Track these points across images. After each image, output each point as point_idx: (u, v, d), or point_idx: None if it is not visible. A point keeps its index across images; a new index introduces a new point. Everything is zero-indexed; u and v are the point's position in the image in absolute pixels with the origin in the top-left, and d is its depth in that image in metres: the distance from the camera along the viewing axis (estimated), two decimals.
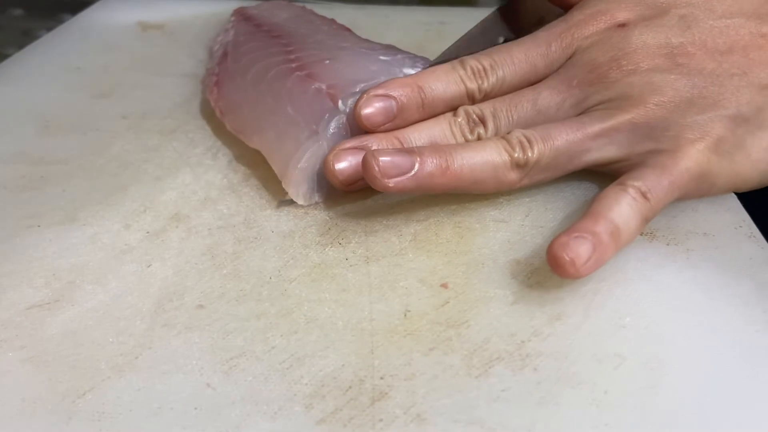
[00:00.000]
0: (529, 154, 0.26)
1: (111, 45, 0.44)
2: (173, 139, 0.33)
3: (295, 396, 0.20)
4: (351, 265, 0.25)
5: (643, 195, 0.25)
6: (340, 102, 0.29)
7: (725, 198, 0.28)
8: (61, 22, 0.49)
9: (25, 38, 0.49)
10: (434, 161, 0.26)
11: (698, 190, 0.26)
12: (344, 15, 0.45)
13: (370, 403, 0.20)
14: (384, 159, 0.25)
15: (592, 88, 0.28)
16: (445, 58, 0.31)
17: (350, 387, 0.20)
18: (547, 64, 0.29)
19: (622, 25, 0.28)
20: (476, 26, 0.34)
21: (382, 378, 0.21)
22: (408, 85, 0.28)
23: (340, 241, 0.26)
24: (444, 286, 0.24)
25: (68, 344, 0.22)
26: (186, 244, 0.26)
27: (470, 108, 0.28)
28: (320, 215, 0.28)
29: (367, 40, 0.38)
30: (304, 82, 0.31)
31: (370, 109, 0.27)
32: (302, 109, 0.29)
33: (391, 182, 0.25)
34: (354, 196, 0.29)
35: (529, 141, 0.26)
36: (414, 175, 0.25)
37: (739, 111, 0.26)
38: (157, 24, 0.47)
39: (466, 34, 0.33)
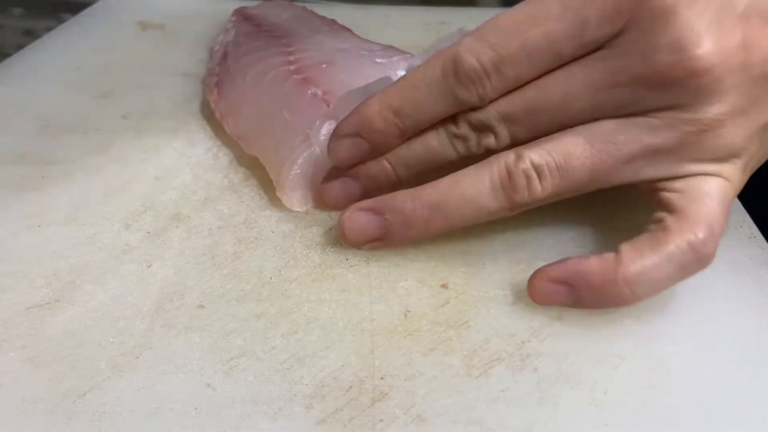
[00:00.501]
0: (538, 190, 0.22)
1: (111, 45, 0.44)
2: (174, 139, 0.33)
3: (296, 396, 0.20)
4: (351, 266, 0.25)
5: (695, 249, 0.21)
6: (332, 107, 0.29)
7: (734, 208, 0.28)
8: (61, 21, 0.49)
9: (25, 38, 0.49)
10: (409, 217, 0.23)
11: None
12: (344, 15, 0.44)
13: (370, 404, 0.20)
14: (350, 226, 0.24)
15: (643, 85, 0.21)
16: None
17: (350, 387, 0.20)
18: (577, 48, 0.21)
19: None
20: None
21: (382, 378, 0.21)
22: (379, 114, 0.23)
23: (341, 242, 0.26)
24: (444, 286, 0.24)
25: (68, 344, 0.22)
26: (186, 244, 0.26)
27: (473, 116, 0.23)
28: (320, 215, 0.28)
29: (366, 41, 0.38)
30: (300, 87, 0.31)
31: (340, 153, 0.25)
32: (298, 115, 0.29)
33: (365, 248, 0.25)
34: None
35: (539, 173, 0.22)
36: (385, 240, 0.24)
37: None
38: (157, 23, 0.47)
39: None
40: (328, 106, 0.29)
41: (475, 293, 0.24)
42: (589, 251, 0.25)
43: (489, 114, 0.23)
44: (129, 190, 0.29)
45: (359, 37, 0.39)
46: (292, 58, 0.34)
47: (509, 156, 0.22)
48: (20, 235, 0.26)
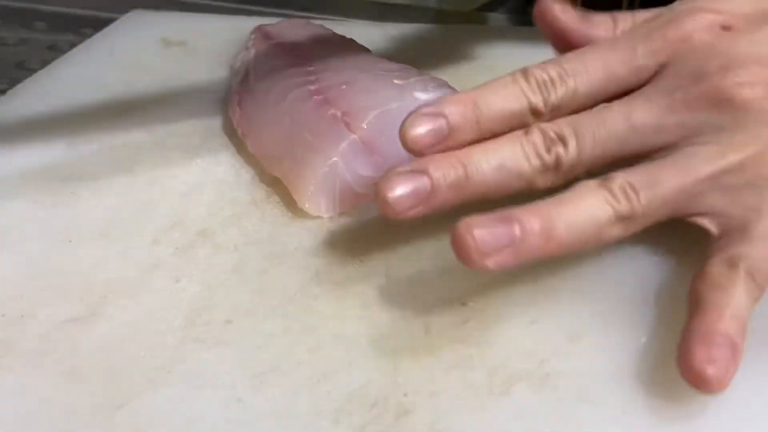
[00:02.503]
0: (635, 204, 0.22)
1: (135, 62, 0.45)
2: (197, 156, 0.34)
3: (323, 411, 0.21)
4: (372, 283, 0.26)
5: (752, 277, 0.21)
6: (352, 125, 0.30)
7: None
8: (84, 36, 0.50)
9: (49, 53, 0.50)
10: (536, 227, 0.21)
11: None
12: (358, 33, 0.46)
13: (394, 420, 0.20)
14: (479, 232, 0.21)
15: (701, 106, 0.23)
16: None
17: (375, 403, 0.21)
18: (630, 71, 0.24)
19: (727, 28, 0.24)
20: None
21: (405, 395, 0.21)
22: (460, 101, 0.24)
23: (362, 258, 0.27)
24: (464, 304, 0.25)
25: (104, 358, 0.23)
26: (213, 260, 0.27)
27: (545, 124, 0.24)
28: (342, 232, 0.29)
29: (384, 60, 0.39)
30: (321, 107, 0.32)
31: (418, 130, 0.23)
32: (318, 135, 0.30)
33: (491, 261, 0.21)
34: (374, 213, 0.30)
35: (633, 188, 0.22)
36: (516, 249, 0.21)
37: None
38: (179, 40, 0.48)
39: None
40: (348, 126, 0.30)
41: (495, 311, 0.24)
42: (605, 267, 0.26)
43: (561, 124, 0.24)
44: (156, 206, 0.30)
45: (377, 57, 0.40)
46: (312, 78, 0.35)
47: (602, 182, 0.23)
48: (53, 251, 0.27)
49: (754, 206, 0.22)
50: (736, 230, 0.22)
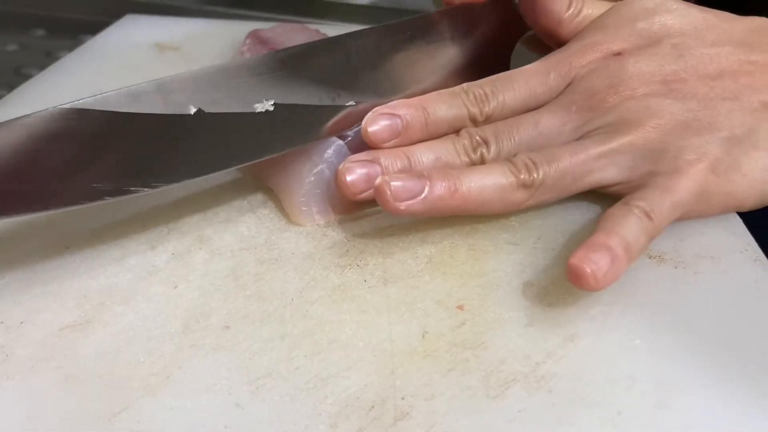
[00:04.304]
0: (535, 175, 0.27)
1: (130, 67, 0.45)
2: None
3: (321, 415, 0.21)
4: (370, 287, 0.26)
5: (647, 215, 0.26)
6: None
7: (731, 222, 0.29)
8: (81, 42, 0.50)
9: (47, 59, 0.50)
10: (443, 184, 0.27)
11: (695, 210, 0.28)
12: None
13: (392, 423, 0.21)
14: (395, 184, 0.26)
15: (591, 113, 0.29)
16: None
17: (373, 407, 0.21)
18: (545, 90, 0.30)
19: (617, 54, 0.30)
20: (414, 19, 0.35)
21: (403, 398, 0.21)
22: (413, 105, 0.29)
23: (359, 263, 0.27)
24: (460, 308, 0.25)
25: (101, 364, 0.23)
26: (210, 266, 0.27)
27: (473, 129, 0.30)
28: (338, 237, 0.29)
29: None
30: None
31: (377, 127, 0.29)
32: (314, 143, 0.30)
33: (402, 205, 0.26)
34: (369, 216, 0.30)
35: (534, 163, 0.28)
36: (424, 198, 0.27)
37: (733, 133, 0.28)
38: (173, 45, 0.48)
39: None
40: (340, 137, 0.30)
41: (490, 315, 0.25)
42: None
43: (486, 130, 0.30)
44: (152, 211, 0.30)
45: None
46: None
47: (510, 158, 0.28)
48: (50, 257, 0.27)
49: (649, 170, 0.27)
50: (636, 188, 0.27)
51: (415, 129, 0.29)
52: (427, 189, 0.27)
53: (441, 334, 0.24)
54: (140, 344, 0.23)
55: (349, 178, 0.28)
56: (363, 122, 0.29)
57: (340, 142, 0.30)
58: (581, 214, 0.30)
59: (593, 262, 0.24)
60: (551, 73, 0.31)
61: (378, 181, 0.27)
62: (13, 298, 0.25)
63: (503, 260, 0.27)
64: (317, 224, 0.30)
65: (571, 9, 0.32)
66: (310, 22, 0.52)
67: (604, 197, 0.29)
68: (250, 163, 0.28)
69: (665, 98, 0.28)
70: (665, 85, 0.29)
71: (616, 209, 0.26)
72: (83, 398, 0.21)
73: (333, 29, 0.49)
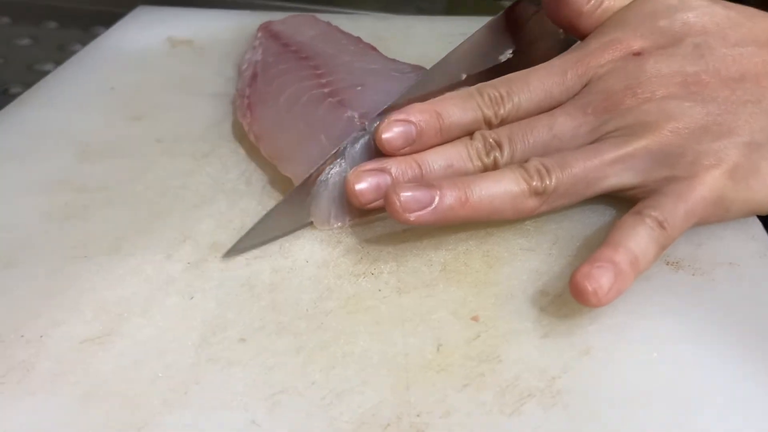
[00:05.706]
0: (547, 182, 0.27)
1: (142, 63, 0.45)
2: (207, 164, 0.34)
3: None
4: (384, 297, 0.26)
5: (660, 224, 0.25)
6: (366, 124, 0.30)
7: (750, 226, 0.28)
8: (94, 35, 0.50)
9: (60, 53, 0.50)
10: (453, 194, 0.26)
11: (714, 216, 0.27)
12: (366, 27, 0.45)
13: None
14: (405, 194, 0.26)
15: (607, 115, 0.28)
16: (443, 69, 0.33)
17: (389, 424, 0.21)
18: (562, 91, 0.30)
19: (637, 54, 0.29)
20: (473, 36, 0.35)
21: (418, 415, 0.21)
22: (427, 111, 0.29)
23: (372, 271, 0.27)
24: (474, 318, 0.25)
25: (120, 379, 0.23)
26: (225, 275, 0.27)
27: (486, 132, 0.29)
28: (352, 244, 0.29)
29: (394, 60, 0.38)
30: (336, 110, 0.32)
31: (390, 134, 0.28)
32: (334, 139, 0.30)
33: (413, 216, 0.26)
34: (382, 225, 0.30)
35: (546, 169, 0.27)
36: (434, 208, 0.26)
37: (753, 138, 0.27)
38: (185, 39, 0.48)
39: (463, 45, 0.34)
40: (365, 128, 0.30)
41: (505, 326, 0.25)
42: None
43: (499, 133, 0.29)
44: (167, 218, 0.30)
45: (386, 57, 0.39)
46: (323, 80, 0.35)
47: (521, 164, 0.28)
48: (67, 267, 0.28)
49: (665, 176, 0.27)
50: (650, 194, 0.27)
51: (429, 135, 0.29)
52: (437, 199, 0.26)
53: (456, 346, 0.24)
54: (158, 358, 0.24)
55: (358, 187, 0.27)
56: (376, 129, 0.28)
57: (368, 136, 0.29)
58: (597, 217, 0.29)
59: (595, 279, 0.23)
60: (568, 72, 0.30)
61: (388, 192, 0.26)
62: (31, 309, 0.26)
63: (518, 267, 0.27)
64: (332, 229, 0.29)
65: (592, 1, 0.31)
66: (322, 11, 0.51)
67: (621, 199, 0.29)
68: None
69: (684, 101, 0.28)
70: (685, 87, 0.28)
71: (628, 219, 0.26)
72: (102, 415, 0.22)
73: (345, 18, 0.48)
